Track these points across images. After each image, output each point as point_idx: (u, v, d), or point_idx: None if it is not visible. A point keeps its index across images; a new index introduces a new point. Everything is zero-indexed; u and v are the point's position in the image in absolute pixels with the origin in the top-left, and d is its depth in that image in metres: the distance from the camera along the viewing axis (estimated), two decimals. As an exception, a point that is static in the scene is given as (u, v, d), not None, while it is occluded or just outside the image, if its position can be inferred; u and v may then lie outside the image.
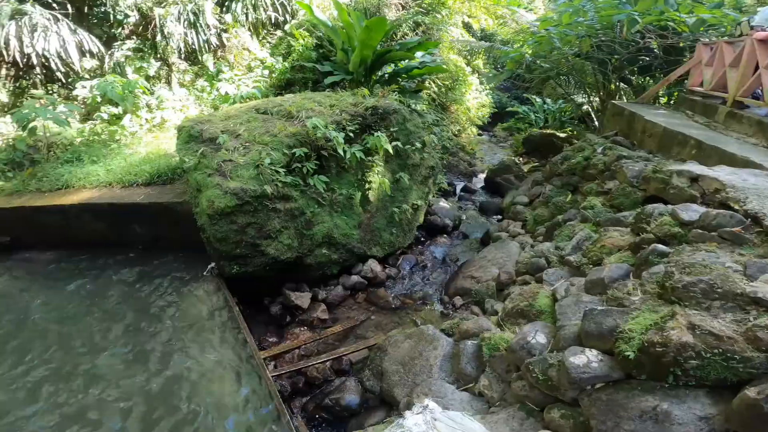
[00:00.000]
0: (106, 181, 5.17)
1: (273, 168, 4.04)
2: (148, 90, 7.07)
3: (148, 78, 7.41)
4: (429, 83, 7.42)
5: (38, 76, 7.53)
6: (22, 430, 2.83)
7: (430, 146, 5.36)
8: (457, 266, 5.30)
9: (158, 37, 7.71)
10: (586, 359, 2.17)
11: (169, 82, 7.73)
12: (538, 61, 7.81)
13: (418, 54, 6.92)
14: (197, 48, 7.83)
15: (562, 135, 9.05)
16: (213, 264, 4.40)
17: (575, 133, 9.36)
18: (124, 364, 3.42)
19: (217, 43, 8.11)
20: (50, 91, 7.31)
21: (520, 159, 9.24)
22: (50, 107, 6.04)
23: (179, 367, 3.38)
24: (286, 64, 7.60)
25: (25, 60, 6.95)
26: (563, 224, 4.64)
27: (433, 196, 6.17)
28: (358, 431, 2.64)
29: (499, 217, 6.57)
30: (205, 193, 3.98)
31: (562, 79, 8.59)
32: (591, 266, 3.34)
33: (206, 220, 3.97)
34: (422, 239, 5.93)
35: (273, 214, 4.14)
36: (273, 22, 8.78)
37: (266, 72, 7.52)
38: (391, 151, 4.57)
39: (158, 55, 7.94)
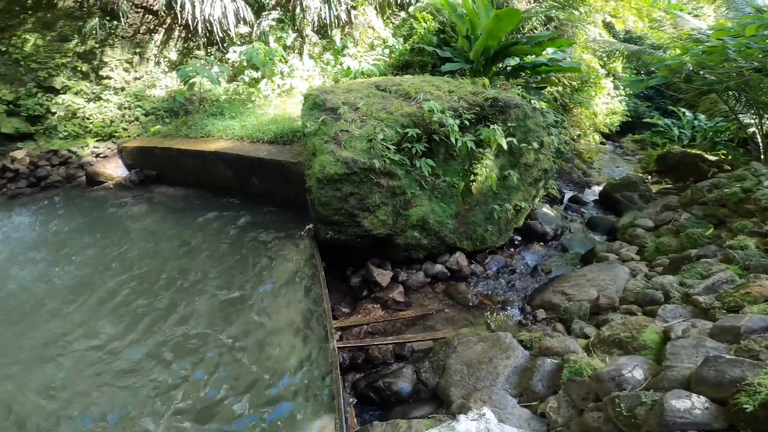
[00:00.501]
0: (239, 135, 5.91)
1: (384, 144, 4.17)
2: (284, 59, 7.81)
3: (285, 47, 8.17)
4: (555, 81, 6.86)
5: (202, 39, 8.80)
6: (111, 355, 3.36)
7: (548, 148, 4.97)
8: (549, 278, 4.98)
9: (297, 10, 8.40)
10: (690, 404, 2.01)
11: (301, 53, 8.42)
12: (701, 72, 6.67)
13: (549, 50, 6.44)
14: (328, 23, 8.36)
15: (711, 158, 7.64)
16: (311, 226, 4.73)
17: (730, 157, 7.85)
18: (212, 308, 3.86)
19: (346, 19, 8.56)
20: (209, 53, 8.50)
21: (650, 177, 8.09)
22: (208, 67, 7.06)
23: (254, 317, 3.73)
24: (406, 45, 7.69)
25: (194, 24, 8.23)
26: (696, 260, 4.02)
27: (539, 201, 5.76)
28: (402, 420, 2.64)
29: (610, 236, 5.91)
30: (319, 158, 4.29)
31: (730, 94, 7.20)
32: (725, 312, 3.00)
33: (315, 183, 4.29)
34: (516, 242, 5.63)
35: (376, 188, 4.29)
36: (398, 2, 8.92)
37: (386, 51, 7.73)
38: (504, 146, 4.37)
39: (295, 27, 8.67)
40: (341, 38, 8.32)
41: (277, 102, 7.17)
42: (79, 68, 7.61)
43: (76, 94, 7.42)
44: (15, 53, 7.24)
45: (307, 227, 4.78)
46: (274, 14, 8.52)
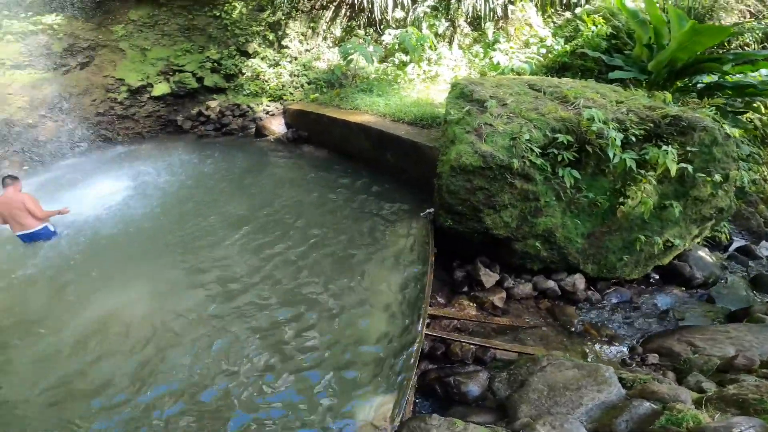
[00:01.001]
0: (382, 113, 6.14)
1: (529, 145, 3.87)
2: (434, 46, 7.80)
3: (436, 35, 8.12)
4: (761, 108, 5.48)
5: (362, 19, 9.29)
6: (238, 291, 3.73)
7: (731, 184, 4.04)
8: (677, 325, 4.22)
9: (452, 0, 8.24)
10: None
11: (450, 42, 8.29)
12: None
13: (763, 72, 5.16)
14: (482, 15, 8.00)
15: None
16: (432, 210, 4.63)
17: None
18: (326, 263, 4.03)
19: (501, 14, 8.06)
20: (367, 34, 8.87)
21: None
22: (365, 46, 7.48)
23: (357, 279, 3.80)
24: (567, 47, 6.94)
25: (358, 4, 8.63)
26: None
27: (698, 242, 4.80)
28: (460, 421, 2.47)
29: (777, 300, 4.66)
30: (457, 146, 4.19)
31: None
32: None
33: (447, 170, 4.20)
34: (651, 280, 4.81)
35: (508, 188, 4.05)
36: (563, 2, 8.07)
37: (542, 51, 7.10)
38: (673, 172, 3.67)
39: (449, 16, 8.53)
40: (494, 32, 7.90)
41: (421, 86, 7.24)
42: (267, 37, 8.61)
43: (262, 59, 8.57)
44: (225, 19, 8.45)
45: (427, 210, 4.71)
46: (430, 2, 8.47)
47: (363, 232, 4.59)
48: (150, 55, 8.26)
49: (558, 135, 3.91)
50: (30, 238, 4.52)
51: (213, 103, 8.36)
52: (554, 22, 7.97)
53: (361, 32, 8.58)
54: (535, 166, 3.95)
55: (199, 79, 8.34)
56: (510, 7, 7.92)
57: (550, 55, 7.00)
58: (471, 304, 4.25)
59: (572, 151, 3.96)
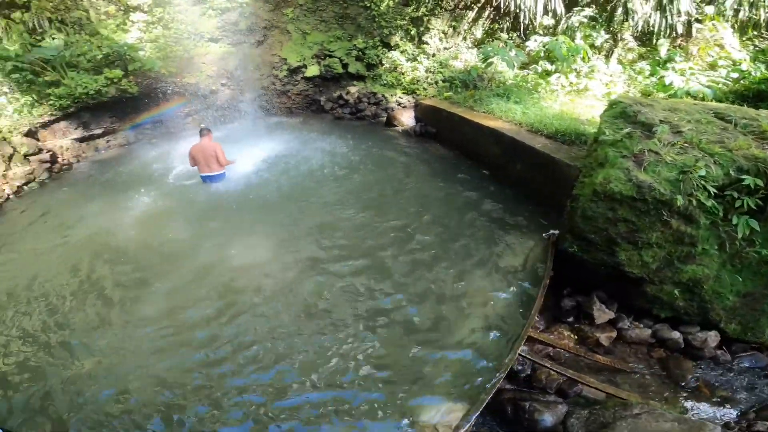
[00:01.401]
0: (518, 121, 5.98)
1: (701, 182, 3.43)
2: (587, 57, 7.27)
3: (591, 47, 7.55)
4: None
5: (507, 23, 9.06)
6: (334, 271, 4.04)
7: None
8: None
9: (618, 11, 7.51)
10: None
11: (608, 56, 7.62)
12: None
13: None
14: (655, 31, 7.16)
15: None
16: (556, 232, 4.39)
17: None
18: (429, 263, 4.08)
19: (683, 31, 7.11)
20: (510, 38, 8.72)
21: None
22: (507, 50, 7.33)
23: (461, 284, 3.79)
24: (768, 73, 5.84)
25: (504, 7, 8.38)
26: None
27: None
28: None
29: None
30: (606, 170, 3.89)
31: None
32: None
33: (588, 193, 3.93)
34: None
35: (659, 226, 3.65)
36: None
37: (733, 75, 6.08)
38: None
39: (610, 29, 7.83)
40: (668, 50, 7.04)
41: (564, 99, 6.83)
42: (409, 31, 9.06)
43: (401, 52, 9.05)
44: (374, 10, 9.07)
45: (551, 231, 4.48)
46: (588, 11, 7.88)
47: (477, 238, 4.60)
48: (309, 39, 9.31)
49: (744, 176, 3.39)
50: (210, 179, 5.68)
51: (353, 89, 9.11)
52: (755, 46, 6.78)
53: (504, 36, 8.45)
54: (703, 207, 3.49)
55: (345, 66, 9.13)
56: (696, 25, 6.95)
57: (743, 81, 5.97)
58: (572, 335, 4.01)
59: (757, 198, 3.40)
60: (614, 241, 3.82)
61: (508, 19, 8.91)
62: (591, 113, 5.92)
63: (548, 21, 8.51)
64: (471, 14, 9.13)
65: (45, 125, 7.07)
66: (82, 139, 7.51)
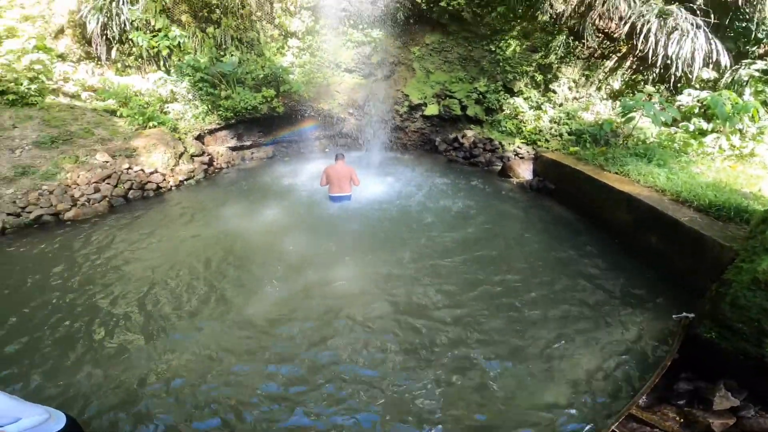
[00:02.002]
0: (660, 187, 5.42)
1: None
2: (757, 117, 6.38)
3: (763, 104, 6.62)
4: None
5: (653, 74, 8.32)
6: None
7: None
8: None
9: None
10: None
11: (786, 116, 6.59)
12: None
13: None
14: None
15: None
16: (692, 315, 3.97)
17: None
18: (526, 322, 4.01)
19: None
20: (657, 91, 8.00)
21: None
22: (655, 105, 6.78)
23: (558, 351, 3.67)
24: None
25: (652, 58, 7.77)
26: None
27: None
28: None
29: None
30: (777, 262, 3.43)
31: None
32: None
33: (745, 280, 3.47)
34: None
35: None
36: None
37: None
38: None
39: (790, 82, 6.77)
40: None
41: (722, 165, 6.08)
42: (535, 78, 9.00)
43: (525, 99, 9.01)
44: (499, 54, 9.27)
45: (684, 314, 4.02)
46: (760, 64, 6.93)
47: (588, 305, 4.37)
48: (432, 78, 9.93)
49: None
50: (340, 200, 6.49)
51: (469, 133, 9.38)
52: None
53: (651, 88, 7.85)
54: None
55: (463, 108, 9.48)
56: None
57: None
58: (678, 417, 3.60)
59: None
60: (766, 333, 3.36)
61: (654, 70, 8.29)
62: (757, 185, 5.18)
63: (708, 74, 7.72)
64: (609, 64, 8.73)
65: (211, 132, 8.83)
66: (234, 148, 9.19)
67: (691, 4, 7.83)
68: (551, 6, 8.44)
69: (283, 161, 9.34)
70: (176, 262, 5.00)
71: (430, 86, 9.87)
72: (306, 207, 6.64)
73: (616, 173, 6.21)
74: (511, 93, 9.29)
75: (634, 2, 7.90)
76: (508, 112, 9.13)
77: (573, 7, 8.40)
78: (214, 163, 8.64)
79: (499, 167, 8.52)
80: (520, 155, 8.60)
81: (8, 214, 5.93)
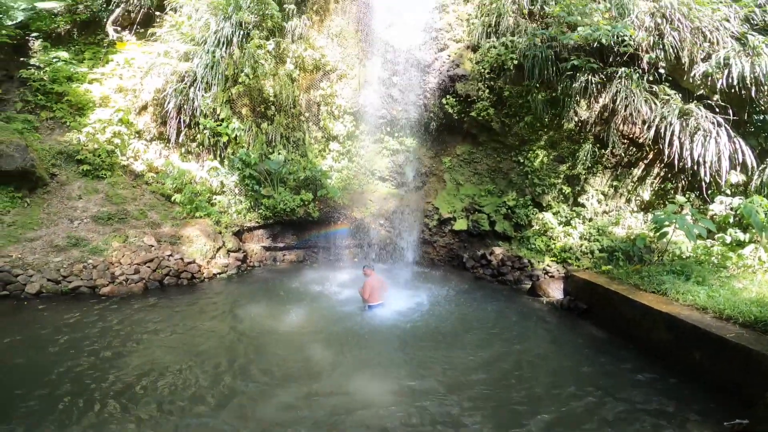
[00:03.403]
0: (701, 305, 5.31)
1: None
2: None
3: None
4: None
5: (682, 182, 8.44)
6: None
7: None
8: None
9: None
10: None
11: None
12: None
13: None
14: None
15: None
16: (746, 422, 3.97)
17: None
18: None
19: None
20: (688, 200, 8.02)
21: None
22: (687, 217, 6.79)
23: None
24: None
25: (679, 164, 7.94)
26: None
27: None
28: None
29: None
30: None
31: None
32: None
33: None
34: None
35: None
36: None
37: None
38: None
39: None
40: None
41: (764, 278, 5.84)
42: (563, 190, 9.32)
43: (554, 214, 9.26)
44: (527, 166, 9.67)
45: (737, 420, 4.03)
46: None
47: (636, 418, 4.20)
48: (461, 191, 10.51)
49: None
50: (373, 308, 6.87)
51: (498, 250, 9.50)
52: None
53: (681, 198, 7.77)
54: None
55: (492, 223, 9.74)
56: None
57: None
58: None
59: None
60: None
61: (683, 176, 8.47)
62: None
63: (736, 177, 7.87)
64: (636, 172, 8.93)
65: (249, 229, 9.60)
66: (268, 248, 9.84)
67: (709, 101, 8.29)
68: (576, 113, 8.99)
69: (313, 267, 9.84)
70: (197, 352, 5.33)
71: (459, 199, 10.42)
72: (331, 314, 6.91)
73: (653, 292, 6.12)
74: (540, 207, 9.57)
75: (655, 104, 8.32)
76: (537, 228, 9.39)
77: (597, 113, 8.90)
78: (248, 261, 9.35)
79: (528, 286, 8.49)
80: (549, 274, 8.59)
81: (49, 280, 6.78)
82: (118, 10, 10.88)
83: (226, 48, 9.79)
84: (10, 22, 10.04)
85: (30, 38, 10.42)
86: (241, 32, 9.86)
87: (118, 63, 10.30)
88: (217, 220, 9.27)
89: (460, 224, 10.07)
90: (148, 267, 7.67)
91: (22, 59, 9.93)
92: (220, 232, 9.13)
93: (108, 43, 10.80)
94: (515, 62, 9.23)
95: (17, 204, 7.90)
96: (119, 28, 11.03)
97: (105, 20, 10.91)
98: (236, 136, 9.88)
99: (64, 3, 10.62)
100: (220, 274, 8.50)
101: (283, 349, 5.53)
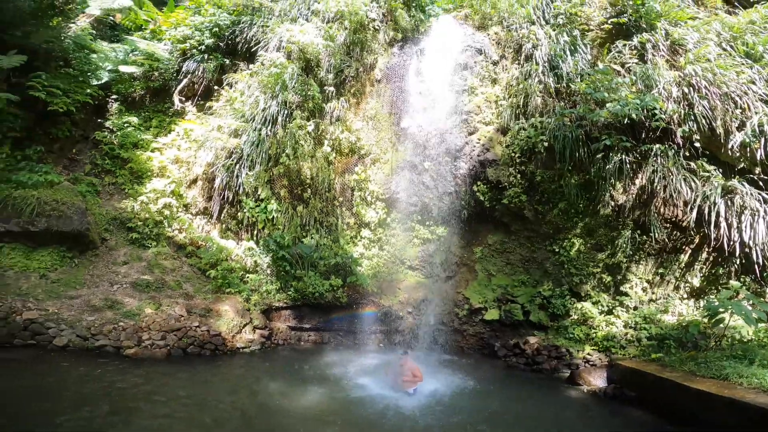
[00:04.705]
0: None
1: None
2: None
3: None
4: None
5: (735, 265, 8.01)
6: None
7: None
8: None
9: None
10: None
11: None
12: None
13: None
14: None
15: None
16: None
17: None
18: None
19: None
20: (743, 284, 7.62)
21: None
22: (744, 302, 6.49)
23: None
24: None
25: (729, 247, 7.61)
26: None
27: None
28: None
29: None
30: None
31: None
32: None
33: None
34: None
35: None
36: None
37: None
38: None
39: None
40: None
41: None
42: (603, 279, 9.06)
43: (594, 303, 8.95)
44: (562, 255, 9.52)
45: None
46: None
47: None
48: (493, 281, 10.46)
49: None
50: (411, 392, 6.80)
51: (532, 339, 9.10)
52: None
53: (735, 283, 7.34)
54: None
55: (526, 313, 9.49)
56: None
57: None
58: None
59: None
60: None
61: (734, 260, 8.05)
62: None
63: None
64: (683, 257, 8.58)
65: (277, 309, 9.74)
66: (293, 328, 9.84)
67: (751, 175, 8.02)
68: (612, 197, 8.78)
69: (337, 349, 9.72)
70: (206, 423, 5.40)
71: (491, 290, 10.31)
72: (350, 399, 6.73)
73: (712, 378, 5.76)
74: (578, 297, 9.26)
75: (695, 182, 8.07)
76: (576, 317, 9.00)
77: (634, 195, 8.64)
78: (273, 338, 9.47)
79: (566, 374, 8.01)
80: (591, 363, 8.04)
81: (77, 335, 7.16)
82: (185, 81, 11.79)
83: (272, 127, 10.58)
84: (96, 82, 10.87)
85: (110, 100, 11.34)
86: (286, 111, 10.62)
87: (179, 133, 11.25)
88: (247, 298, 9.58)
89: (492, 314, 9.83)
90: (175, 335, 7.90)
91: (99, 120, 10.83)
92: (249, 309, 9.39)
93: (173, 113, 11.75)
94: (545, 144, 9.15)
95: (66, 263, 8.65)
96: (184, 98, 11.94)
97: (173, 89, 11.82)
98: (273, 217, 10.45)
99: (142, 69, 11.57)
100: (243, 348, 8.58)
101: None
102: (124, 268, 9.03)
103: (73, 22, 11.20)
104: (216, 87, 11.85)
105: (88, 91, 10.42)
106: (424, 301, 10.37)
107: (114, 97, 11.41)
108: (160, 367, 6.99)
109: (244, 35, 11.99)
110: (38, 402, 5.21)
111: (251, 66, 11.51)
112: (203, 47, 11.93)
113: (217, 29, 12.04)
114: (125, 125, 10.91)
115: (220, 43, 12.20)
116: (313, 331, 10.19)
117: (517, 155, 9.75)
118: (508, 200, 9.85)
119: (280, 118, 10.72)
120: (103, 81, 10.84)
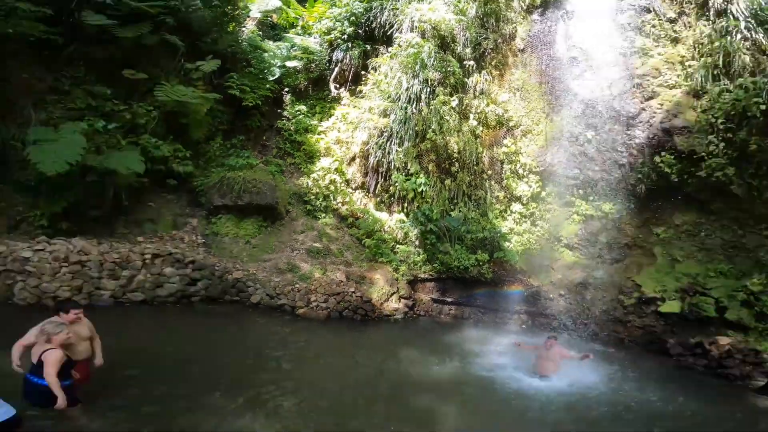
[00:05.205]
0: None
1: None
2: None
3: None
4: None
5: None
6: None
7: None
8: None
9: None
10: None
11: None
12: None
13: None
14: None
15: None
16: None
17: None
18: None
19: None
20: None
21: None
22: None
23: None
24: None
25: None
26: None
27: None
28: None
29: None
30: None
31: None
32: None
33: None
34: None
35: None
36: None
37: None
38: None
39: None
40: None
41: None
42: None
43: None
44: None
45: None
46: None
47: None
48: (678, 268, 8.98)
49: None
50: (543, 380, 6.75)
51: (724, 341, 7.70)
52: None
53: None
54: None
55: (721, 309, 8.04)
56: None
57: None
58: None
59: None
60: None
61: None
62: None
63: None
64: None
65: (422, 280, 10.41)
66: (435, 300, 10.42)
67: None
68: None
69: (477, 325, 9.86)
70: (348, 381, 6.39)
71: (674, 278, 8.92)
72: (484, 377, 6.90)
73: None
74: None
75: None
76: None
77: None
78: (415, 308, 10.16)
79: (761, 383, 6.91)
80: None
81: (266, 294, 9.14)
82: (336, 69, 13.03)
83: (416, 105, 11.08)
84: (271, 78, 12.49)
85: (283, 92, 13.06)
86: (428, 89, 11.02)
87: (337, 117, 12.58)
88: (396, 268, 10.42)
89: (671, 306, 8.55)
90: (335, 299, 9.33)
91: (278, 111, 12.71)
92: (397, 279, 10.22)
93: (331, 99, 13.16)
94: (762, 107, 7.88)
95: (262, 231, 10.93)
96: (338, 85, 13.19)
97: (328, 78, 13.18)
98: (422, 191, 10.92)
99: (302, 62, 13.00)
100: (389, 316, 9.52)
101: (425, 400, 5.88)
102: (301, 236, 10.93)
103: (244, 26, 13.33)
104: (363, 72, 12.78)
105: (267, 86, 12.36)
106: (580, 284, 9.64)
107: (286, 89, 13.19)
108: (322, 327, 8.50)
109: (378, 20, 12.55)
110: (231, 350, 7.00)
111: (390, 49, 12.01)
112: (345, 36, 12.89)
113: (353, 17, 12.82)
114: (297, 113, 12.74)
115: (359, 31, 13.01)
116: (455, 305, 10.52)
117: (719, 121, 8.49)
118: (706, 173, 8.62)
119: (423, 96, 11.05)
120: (276, 76, 12.72)
